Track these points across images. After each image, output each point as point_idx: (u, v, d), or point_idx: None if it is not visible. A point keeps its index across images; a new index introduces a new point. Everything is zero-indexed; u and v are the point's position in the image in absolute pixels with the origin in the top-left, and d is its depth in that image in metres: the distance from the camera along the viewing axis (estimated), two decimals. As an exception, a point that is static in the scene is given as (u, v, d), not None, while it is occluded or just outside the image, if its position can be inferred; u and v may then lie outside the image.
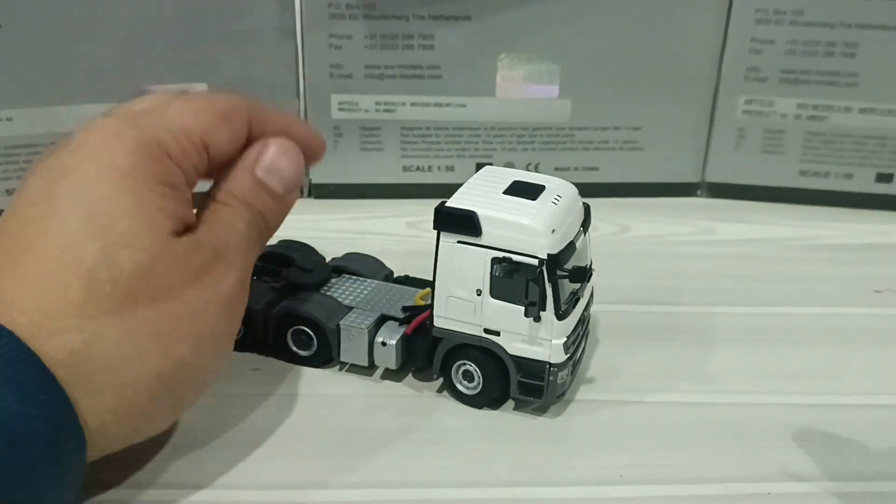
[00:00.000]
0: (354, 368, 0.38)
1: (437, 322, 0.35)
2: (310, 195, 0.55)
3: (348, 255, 0.42)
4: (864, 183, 0.56)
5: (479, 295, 0.34)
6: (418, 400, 0.37)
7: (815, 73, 0.53)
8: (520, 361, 0.34)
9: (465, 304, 0.34)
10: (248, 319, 0.37)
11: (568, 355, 0.34)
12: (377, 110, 0.53)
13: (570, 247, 0.33)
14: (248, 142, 0.34)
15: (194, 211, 0.32)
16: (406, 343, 0.37)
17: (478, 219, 0.33)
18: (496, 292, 0.34)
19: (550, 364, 0.34)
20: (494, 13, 0.51)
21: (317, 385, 0.37)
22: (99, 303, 0.27)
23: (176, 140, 0.31)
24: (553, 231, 0.33)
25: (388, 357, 0.37)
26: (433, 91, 0.53)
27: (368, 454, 0.33)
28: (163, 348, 0.28)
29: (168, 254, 0.29)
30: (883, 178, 0.55)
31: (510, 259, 0.33)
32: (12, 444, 0.24)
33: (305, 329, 0.38)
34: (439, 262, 0.34)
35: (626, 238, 0.51)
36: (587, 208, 0.37)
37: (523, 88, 0.53)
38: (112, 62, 0.48)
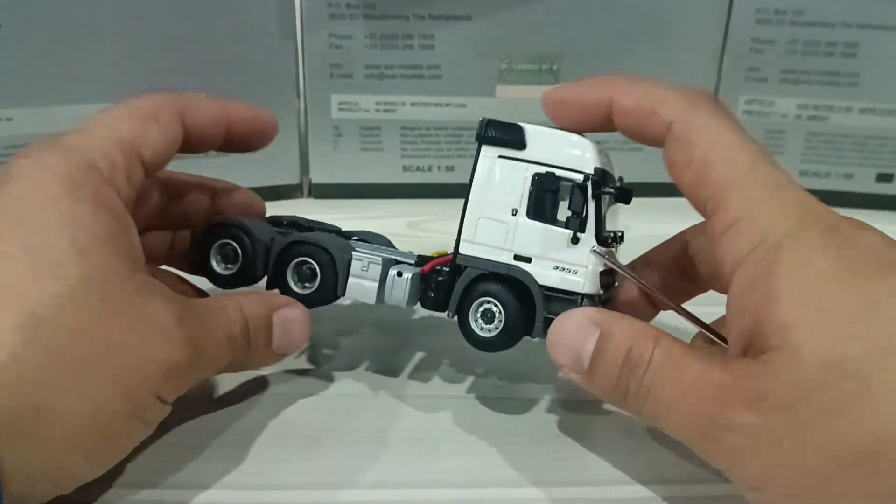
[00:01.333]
0: (345, 365, 0.38)
1: (463, 248, 0.32)
2: (310, 195, 0.55)
3: (361, 231, 0.41)
4: (865, 183, 0.56)
5: (514, 215, 0.32)
6: (416, 401, 0.37)
7: (815, 74, 0.53)
8: (549, 295, 0.31)
9: (497, 226, 0.32)
10: (248, 252, 0.36)
11: (601, 292, 0.32)
12: (377, 110, 0.53)
13: (612, 178, 0.32)
14: (189, 135, 0.33)
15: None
16: (420, 281, 0.34)
17: (524, 131, 0.32)
18: (534, 211, 0.31)
19: (583, 295, 0.31)
20: (495, 13, 0.51)
21: (310, 385, 0.37)
22: (14, 325, 0.25)
23: (104, 154, 0.30)
24: (600, 151, 0.32)
25: (399, 292, 0.34)
26: (433, 91, 0.53)
27: (367, 454, 0.33)
28: (88, 389, 0.27)
29: (102, 287, 0.27)
30: (883, 178, 0.55)
31: (553, 174, 0.31)
32: None
33: (309, 261, 0.35)
34: (476, 179, 0.32)
35: (626, 238, 0.51)
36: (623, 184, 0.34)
37: (523, 88, 0.53)
38: (112, 62, 0.48)
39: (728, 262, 0.28)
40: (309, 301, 0.35)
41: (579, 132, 0.32)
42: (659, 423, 0.28)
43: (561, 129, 0.32)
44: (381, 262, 0.34)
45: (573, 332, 0.30)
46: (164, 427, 0.31)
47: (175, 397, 0.29)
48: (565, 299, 0.31)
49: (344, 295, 0.35)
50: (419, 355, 0.40)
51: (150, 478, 0.31)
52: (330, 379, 0.38)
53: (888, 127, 0.54)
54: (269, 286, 0.36)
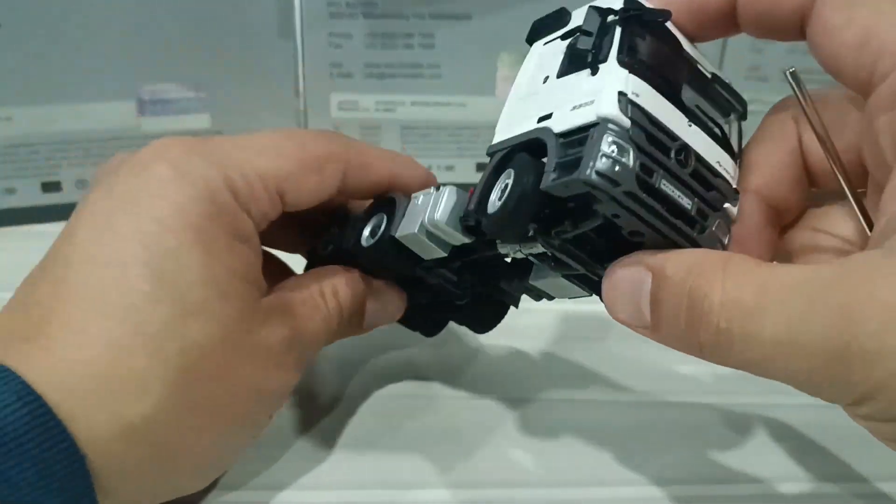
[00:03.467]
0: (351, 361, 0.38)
1: (497, 136, 0.28)
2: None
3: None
4: None
5: (545, 82, 0.28)
6: (419, 401, 0.37)
7: (816, 73, 0.53)
8: (564, 138, 0.25)
9: (529, 101, 0.28)
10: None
11: (628, 119, 0.24)
12: (377, 110, 0.53)
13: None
14: (345, 191, 0.31)
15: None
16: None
17: (568, 12, 0.28)
18: (565, 68, 0.27)
19: (601, 118, 0.24)
20: (495, 12, 0.51)
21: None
22: (164, 373, 0.25)
23: (248, 183, 0.28)
24: None
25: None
26: (433, 90, 0.53)
27: (368, 454, 0.33)
28: (215, 428, 0.27)
29: (237, 329, 0.27)
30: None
31: (586, 30, 0.26)
32: None
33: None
34: (520, 73, 0.30)
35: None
36: None
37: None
38: (111, 61, 0.48)
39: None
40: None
41: (694, 40, 0.27)
42: (762, 370, 0.22)
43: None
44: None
45: (625, 282, 0.24)
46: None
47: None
48: (580, 139, 0.25)
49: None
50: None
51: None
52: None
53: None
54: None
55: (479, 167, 0.37)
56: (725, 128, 0.27)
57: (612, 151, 0.23)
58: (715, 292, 0.22)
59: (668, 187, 0.24)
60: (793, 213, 0.27)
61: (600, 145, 0.23)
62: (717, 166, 0.25)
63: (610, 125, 0.24)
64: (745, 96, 0.28)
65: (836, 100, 0.26)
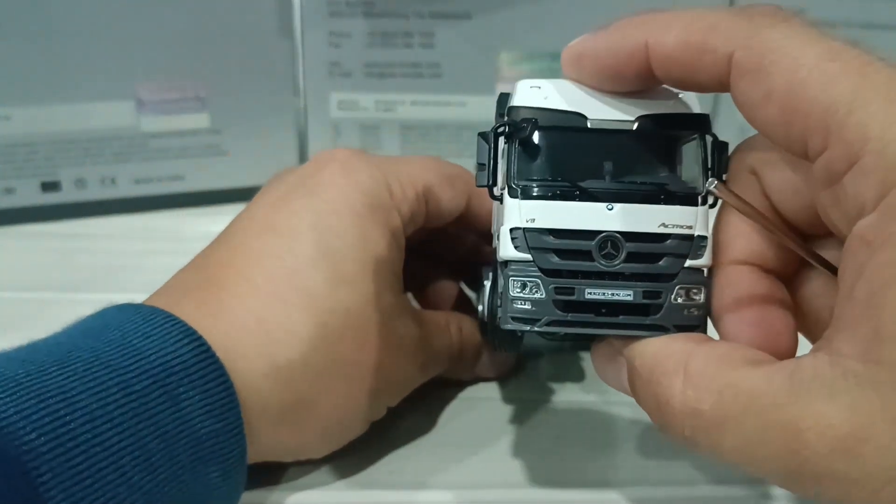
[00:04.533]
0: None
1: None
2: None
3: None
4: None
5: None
6: (419, 401, 0.36)
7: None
8: (504, 268, 0.25)
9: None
10: None
11: (521, 256, 0.24)
12: (377, 109, 0.53)
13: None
14: (464, 216, 0.35)
15: None
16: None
17: (506, 96, 0.28)
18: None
19: (504, 261, 0.25)
20: (495, 11, 0.51)
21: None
22: (314, 328, 0.29)
23: (401, 185, 0.32)
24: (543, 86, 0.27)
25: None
26: (433, 90, 0.53)
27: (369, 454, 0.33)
28: (346, 391, 0.30)
29: (379, 307, 0.30)
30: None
31: (480, 162, 0.28)
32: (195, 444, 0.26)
33: None
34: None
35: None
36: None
37: (524, 87, 0.53)
38: (111, 61, 0.48)
39: (843, 216, 0.21)
40: None
41: (614, 92, 0.26)
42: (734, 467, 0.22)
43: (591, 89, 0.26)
44: None
45: (609, 364, 0.26)
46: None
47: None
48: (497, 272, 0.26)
49: None
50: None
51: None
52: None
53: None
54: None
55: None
56: (696, 151, 0.25)
57: (520, 291, 0.24)
58: (675, 398, 0.22)
59: (597, 292, 0.24)
60: (790, 261, 0.25)
61: (509, 290, 0.24)
62: (661, 230, 0.24)
63: (513, 265, 0.24)
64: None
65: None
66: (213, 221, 0.45)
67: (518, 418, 0.36)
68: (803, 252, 0.24)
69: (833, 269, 0.23)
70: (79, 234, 0.50)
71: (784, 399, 0.20)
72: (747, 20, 0.22)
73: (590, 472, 0.33)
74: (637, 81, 0.25)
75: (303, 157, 0.55)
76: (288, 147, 0.54)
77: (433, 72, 0.52)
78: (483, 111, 0.53)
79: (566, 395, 0.37)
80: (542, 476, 0.33)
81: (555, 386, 0.38)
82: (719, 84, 0.23)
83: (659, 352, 0.23)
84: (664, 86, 0.26)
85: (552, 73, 0.52)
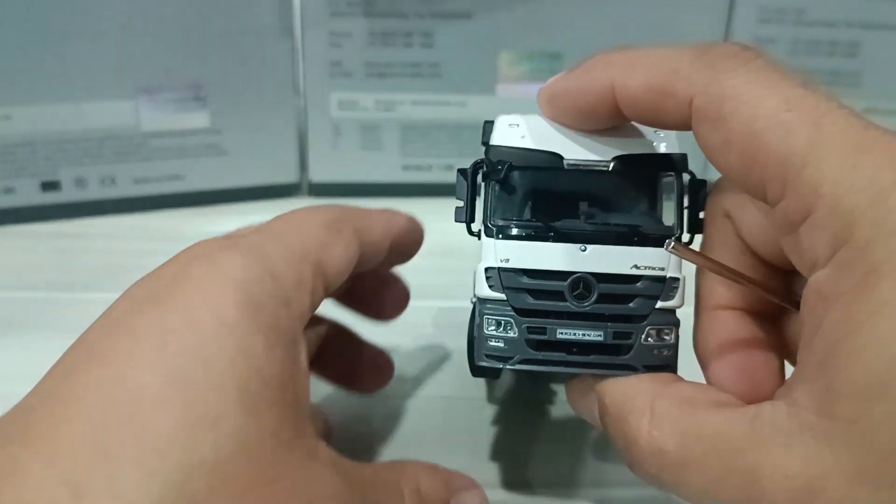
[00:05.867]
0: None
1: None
2: (309, 194, 0.55)
3: None
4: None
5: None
6: (420, 402, 0.37)
7: (817, 73, 0.53)
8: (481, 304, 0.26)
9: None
10: None
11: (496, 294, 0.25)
12: (377, 108, 0.53)
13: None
14: (363, 252, 0.28)
15: None
16: None
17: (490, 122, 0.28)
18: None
19: (479, 299, 0.26)
20: (495, 11, 0.51)
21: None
22: (159, 493, 0.20)
23: (289, 263, 0.25)
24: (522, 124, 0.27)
25: None
26: (433, 89, 0.53)
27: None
28: None
29: (265, 454, 0.22)
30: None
31: (459, 197, 0.28)
32: None
33: None
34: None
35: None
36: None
37: (524, 87, 0.53)
38: (111, 60, 0.48)
39: (802, 263, 0.21)
40: None
41: (591, 132, 0.26)
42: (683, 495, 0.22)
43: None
44: None
45: (582, 398, 0.26)
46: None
47: None
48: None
49: None
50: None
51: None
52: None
53: (890, 126, 0.54)
54: None
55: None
56: (673, 192, 0.26)
57: (494, 330, 0.25)
58: (642, 437, 0.22)
59: (568, 332, 0.25)
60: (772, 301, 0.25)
61: (483, 328, 0.25)
62: (633, 271, 0.25)
63: (488, 304, 0.25)
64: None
65: None
66: (212, 221, 0.45)
67: (508, 418, 0.36)
68: (774, 297, 0.24)
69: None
70: (79, 233, 0.50)
71: (744, 444, 0.21)
72: (708, 65, 0.22)
73: (588, 473, 0.33)
74: (609, 120, 0.25)
75: (303, 157, 0.55)
76: (288, 147, 0.54)
77: (433, 72, 0.52)
78: (483, 111, 0.53)
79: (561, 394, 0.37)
80: (534, 477, 0.33)
81: (553, 387, 0.38)
82: (684, 125, 0.23)
83: (627, 391, 0.24)
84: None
85: (552, 73, 0.52)
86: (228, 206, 0.53)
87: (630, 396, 0.24)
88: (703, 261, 0.24)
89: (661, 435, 0.22)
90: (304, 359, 0.24)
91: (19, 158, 0.49)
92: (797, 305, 0.23)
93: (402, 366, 0.39)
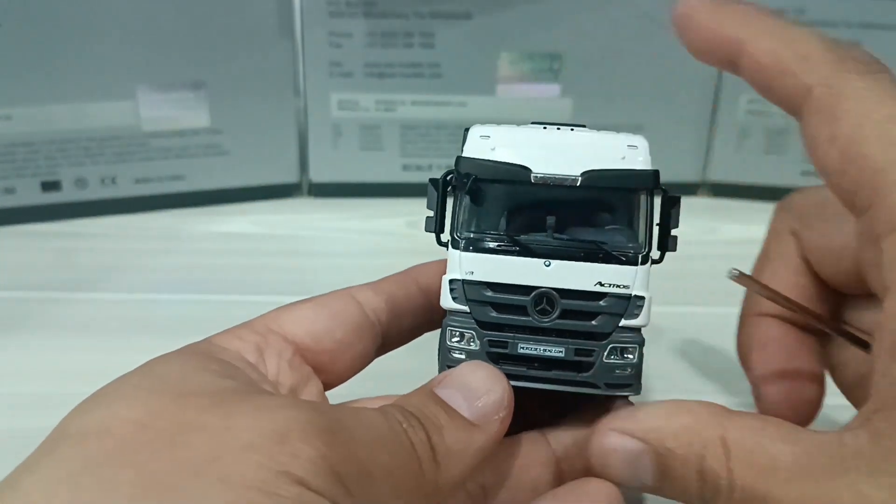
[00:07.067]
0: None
1: None
2: (309, 194, 0.55)
3: None
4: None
5: None
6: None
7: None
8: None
9: None
10: None
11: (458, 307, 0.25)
12: (377, 109, 0.53)
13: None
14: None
15: None
16: None
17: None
18: None
19: (447, 312, 0.26)
20: (495, 11, 0.51)
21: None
22: None
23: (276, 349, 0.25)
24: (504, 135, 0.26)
25: None
26: (433, 90, 0.53)
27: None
28: None
29: None
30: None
31: (430, 207, 0.28)
32: None
33: None
34: None
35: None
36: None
37: (524, 87, 0.53)
38: (111, 60, 0.48)
39: (879, 279, 0.21)
40: None
41: (566, 144, 0.26)
42: None
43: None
44: None
45: (619, 452, 0.23)
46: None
47: None
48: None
49: None
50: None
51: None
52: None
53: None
54: None
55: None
56: (642, 208, 0.25)
57: (457, 341, 0.25)
58: (723, 476, 0.21)
59: (530, 347, 0.25)
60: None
61: (446, 339, 0.25)
62: (597, 288, 0.25)
63: (451, 315, 0.25)
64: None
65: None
66: (213, 221, 0.45)
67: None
68: (831, 330, 0.24)
69: (863, 344, 0.23)
70: (79, 233, 0.50)
71: (827, 475, 0.20)
72: (838, 61, 0.22)
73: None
74: (727, 67, 0.25)
75: (303, 157, 0.55)
76: (288, 147, 0.54)
77: (433, 72, 0.52)
78: (483, 111, 0.53)
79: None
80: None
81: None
82: (793, 108, 0.23)
83: (690, 425, 0.22)
84: (618, 137, 0.26)
85: (552, 72, 0.53)
86: (229, 206, 0.53)
87: (696, 432, 0.22)
88: (766, 291, 0.24)
89: (743, 473, 0.21)
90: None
91: (20, 158, 0.49)
92: (848, 336, 0.23)
93: (394, 365, 0.39)
